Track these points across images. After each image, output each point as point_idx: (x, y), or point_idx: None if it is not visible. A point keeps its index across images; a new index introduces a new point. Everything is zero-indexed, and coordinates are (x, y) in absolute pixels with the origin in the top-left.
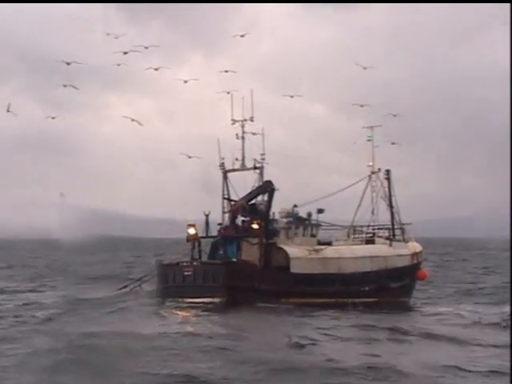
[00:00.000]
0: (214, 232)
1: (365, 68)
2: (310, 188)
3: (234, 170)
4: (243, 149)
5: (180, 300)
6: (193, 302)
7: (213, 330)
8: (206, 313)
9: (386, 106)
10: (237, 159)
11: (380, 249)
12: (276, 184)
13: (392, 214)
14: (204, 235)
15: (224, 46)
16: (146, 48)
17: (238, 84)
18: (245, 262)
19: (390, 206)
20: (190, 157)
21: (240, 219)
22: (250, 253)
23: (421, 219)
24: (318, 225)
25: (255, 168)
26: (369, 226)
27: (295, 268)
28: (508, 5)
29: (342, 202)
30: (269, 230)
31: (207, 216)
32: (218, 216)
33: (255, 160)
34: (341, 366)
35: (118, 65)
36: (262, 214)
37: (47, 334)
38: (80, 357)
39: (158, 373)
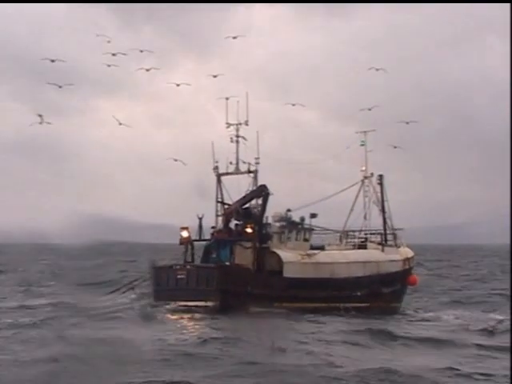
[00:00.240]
0: (207, 235)
1: (377, 70)
2: (303, 193)
3: (227, 174)
4: (237, 152)
5: (173, 303)
6: (186, 305)
7: (206, 335)
8: (199, 317)
9: (381, 110)
10: (231, 163)
11: (372, 254)
12: (269, 188)
13: (384, 219)
14: (197, 238)
15: (216, 51)
16: (141, 52)
17: (230, 88)
18: (238, 265)
19: (383, 211)
20: (175, 160)
21: (233, 223)
22: (244, 257)
23: (413, 225)
24: (310, 229)
25: (249, 172)
26: (361, 230)
27: (288, 272)
28: (508, 5)
29: (335, 207)
30: (262, 234)
31: (200, 219)
32: (212, 220)
33: (249, 164)
34: (327, 370)
35: (109, 65)
36: (255, 217)
37: (32, 341)
38: (64, 367)
39: (145, 381)
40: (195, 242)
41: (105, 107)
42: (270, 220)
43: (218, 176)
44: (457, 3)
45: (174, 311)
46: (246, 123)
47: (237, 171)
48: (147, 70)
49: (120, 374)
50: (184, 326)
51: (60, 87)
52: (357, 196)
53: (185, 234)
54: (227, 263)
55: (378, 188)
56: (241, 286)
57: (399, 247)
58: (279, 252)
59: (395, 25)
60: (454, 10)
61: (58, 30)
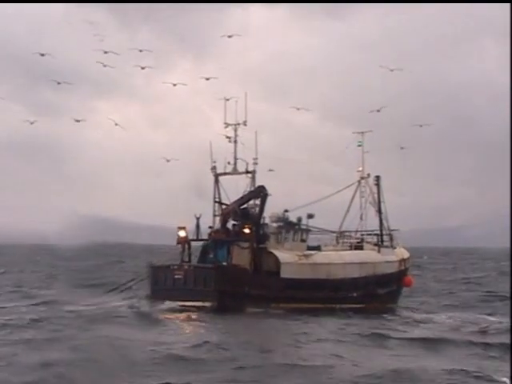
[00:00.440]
0: (204, 236)
1: (392, 70)
2: (300, 194)
3: (225, 174)
4: (235, 152)
5: (170, 303)
6: (183, 305)
7: (202, 338)
8: (195, 318)
9: (377, 113)
10: (229, 163)
11: (369, 255)
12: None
13: (381, 220)
14: (194, 238)
15: (213, 52)
16: (141, 51)
17: (227, 89)
18: (235, 266)
19: (379, 211)
20: (168, 160)
21: (231, 223)
22: (241, 257)
23: (409, 228)
24: (307, 230)
25: (247, 172)
26: (357, 231)
27: (285, 273)
28: (508, 5)
29: (332, 208)
30: (260, 235)
31: (198, 219)
32: (209, 220)
33: (247, 164)
34: (323, 372)
35: (104, 66)
36: (253, 218)
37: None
38: (58, 373)
39: None
40: (192, 242)
41: (102, 108)
42: (266, 220)
43: (216, 176)
44: (456, 3)
45: (170, 311)
46: (245, 123)
47: (234, 171)
48: (142, 68)
49: (112, 379)
50: (180, 328)
51: (58, 83)
52: (353, 196)
53: (182, 233)
54: (224, 263)
55: (375, 189)
56: (238, 286)
57: (395, 248)
58: (276, 253)
59: (392, 25)
60: (452, 10)
61: (56, 30)
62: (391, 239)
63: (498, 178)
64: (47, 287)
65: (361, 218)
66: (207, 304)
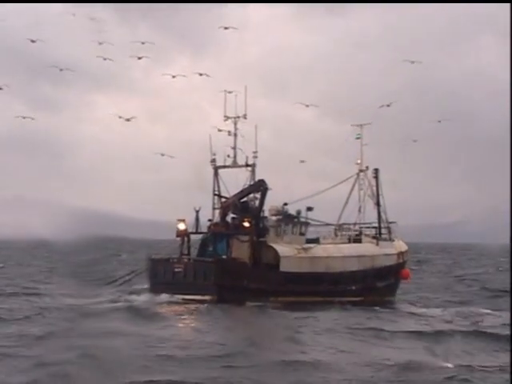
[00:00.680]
0: (204, 229)
1: (412, 62)
2: (298, 188)
3: (225, 167)
4: (235, 146)
5: (169, 296)
6: (183, 298)
7: (201, 333)
8: (195, 312)
9: (377, 109)
10: (228, 156)
11: (367, 248)
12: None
13: (379, 212)
14: (194, 231)
15: (211, 48)
16: (143, 43)
17: (225, 85)
18: (235, 260)
19: (378, 204)
20: (162, 155)
21: (230, 216)
22: (240, 250)
23: (407, 223)
24: (306, 223)
25: (247, 165)
26: (355, 223)
27: (285, 267)
28: (508, 5)
29: (331, 201)
30: (259, 228)
31: (197, 212)
32: (208, 213)
33: (247, 157)
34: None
35: (105, 59)
36: (253, 211)
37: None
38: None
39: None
40: (192, 235)
41: (100, 102)
42: (266, 214)
43: (215, 169)
44: (455, 3)
45: (169, 305)
46: (245, 117)
47: (234, 164)
48: (139, 58)
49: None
50: (178, 322)
51: (61, 70)
52: (352, 189)
53: (181, 226)
54: (224, 256)
55: (373, 181)
56: (238, 280)
57: (393, 241)
58: (276, 246)
59: (392, 24)
60: (452, 10)
61: (55, 26)
62: (389, 232)
63: (498, 175)
64: (45, 281)
65: (359, 211)
66: (207, 297)
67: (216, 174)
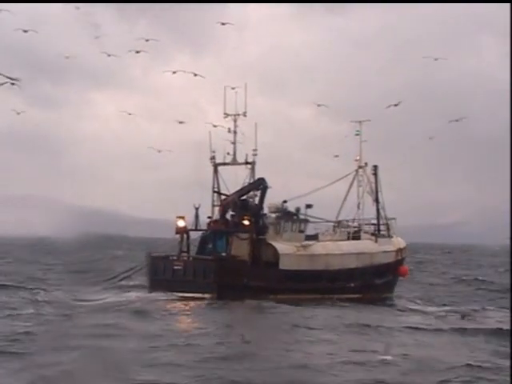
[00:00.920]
0: (203, 226)
1: (436, 59)
2: (296, 187)
3: (224, 164)
4: (235, 143)
5: (169, 294)
6: (183, 296)
7: (197, 332)
8: (193, 311)
9: (380, 109)
10: (228, 153)
11: (366, 245)
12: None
13: (378, 209)
14: (193, 228)
15: (211, 46)
16: (147, 41)
17: (224, 84)
18: (235, 258)
19: (376, 201)
20: (159, 151)
21: (229, 213)
22: (240, 248)
23: (405, 224)
24: (306, 220)
25: (247, 163)
26: (354, 219)
27: (284, 265)
28: (508, 5)
29: (330, 199)
30: (259, 226)
31: (197, 209)
32: (208, 210)
33: (246, 155)
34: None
35: (109, 55)
36: (252, 210)
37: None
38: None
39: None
40: (191, 232)
41: (99, 100)
42: (265, 211)
43: (215, 166)
44: (455, 3)
45: (168, 303)
46: (244, 114)
47: (234, 162)
48: (137, 52)
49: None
50: (175, 321)
51: (67, 57)
52: (351, 185)
53: (181, 223)
54: (223, 254)
55: (372, 178)
56: (237, 278)
57: (392, 237)
58: (275, 244)
59: (391, 24)
60: (451, 10)
61: (55, 22)
62: (388, 228)
63: (498, 175)
64: (44, 278)
65: (358, 207)
66: (207, 295)
67: (215, 172)
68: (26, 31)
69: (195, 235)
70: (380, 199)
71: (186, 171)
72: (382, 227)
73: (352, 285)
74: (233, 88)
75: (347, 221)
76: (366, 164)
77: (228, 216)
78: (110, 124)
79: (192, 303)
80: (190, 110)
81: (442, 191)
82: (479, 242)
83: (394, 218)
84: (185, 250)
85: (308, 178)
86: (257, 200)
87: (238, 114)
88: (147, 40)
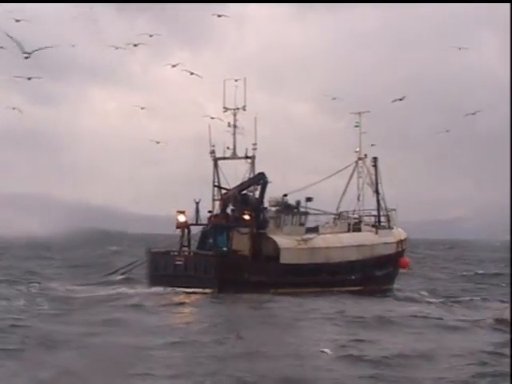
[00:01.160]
0: (203, 220)
1: (460, 49)
2: (294, 181)
3: (224, 158)
4: (234, 137)
5: (170, 289)
6: (184, 291)
7: (193, 327)
8: (193, 305)
9: (377, 104)
10: (228, 148)
11: (366, 237)
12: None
13: (378, 201)
14: (194, 223)
15: (210, 43)
16: (151, 36)
17: (222, 79)
18: (236, 253)
19: (377, 192)
20: (158, 142)
21: (230, 208)
22: (241, 243)
23: (405, 220)
24: (306, 213)
25: (247, 157)
26: (354, 211)
27: (285, 259)
28: (508, 5)
29: (330, 191)
30: (259, 221)
31: (197, 203)
32: (208, 205)
33: (246, 149)
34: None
35: (116, 48)
36: (253, 204)
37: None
38: None
39: None
40: (191, 227)
41: (97, 96)
42: (266, 205)
43: (215, 160)
44: (455, 3)
45: (169, 297)
46: (244, 108)
47: (234, 156)
48: (135, 46)
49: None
50: (174, 316)
51: (73, 46)
52: (350, 177)
53: (181, 218)
54: (224, 249)
55: (372, 170)
56: (238, 273)
57: (392, 228)
58: (276, 238)
59: (391, 22)
60: (451, 10)
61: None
62: (388, 220)
63: (498, 171)
64: (43, 274)
65: (358, 199)
66: (208, 291)
67: (216, 166)
68: (18, 21)
69: (196, 230)
70: (380, 191)
71: (186, 166)
72: (382, 219)
73: (352, 277)
74: (236, 80)
75: (347, 212)
76: (365, 156)
77: (228, 210)
78: (109, 120)
79: (192, 297)
80: (190, 105)
81: (442, 187)
82: (479, 237)
83: (394, 209)
84: (186, 244)
85: (306, 173)
86: (257, 194)
87: (238, 108)
88: (151, 35)
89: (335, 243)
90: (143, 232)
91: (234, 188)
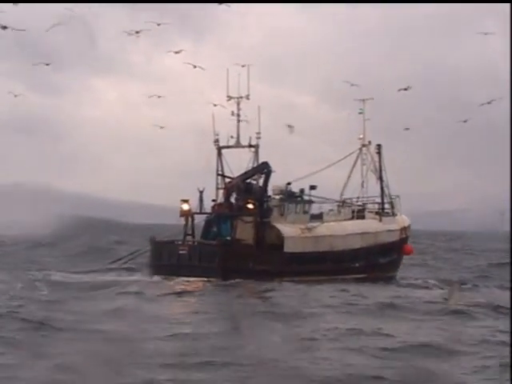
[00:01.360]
0: (207, 209)
1: (485, 34)
2: (297, 170)
3: (228, 147)
4: (238, 126)
5: (174, 278)
6: (188, 281)
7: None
8: (195, 295)
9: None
10: (232, 136)
11: (370, 224)
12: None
13: (382, 188)
14: (198, 211)
15: (213, 33)
16: (159, 25)
17: (225, 70)
18: (240, 242)
19: (380, 179)
20: (161, 127)
21: (234, 197)
22: (245, 232)
23: (405, 211)
24: (310, 201)
25: (250, 146)
26: (358, 197)
27: (289, 247)
28: (508, 5)
29: (334, 179)
30: (263, 209)
31: (201, 192)
32: (212, 193)
33: (250, 138)
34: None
35: (131, 33)
36: (256, 194)
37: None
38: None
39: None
40: (195, 216)
41: (99, 86)
42: (269, 193)
43: (219, 149)
44: (455, 3)
45: (173, 286)
46: (247, 97)
47: (238, 144)
48: (137, 33)
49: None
50: (182, 303)
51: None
52: (355, 163)
53: (185, 206)
54: (228, 238)
55: (376, 157)
56: (242, 262)
57: (396, 215)
58: (279, 226)
59: (392, 19)
60: (451, 10)
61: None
62: (392, 207)
63: (498, 162)
64: (46, 262)
65: (362, 186)
66: (212, 280)
67: (219, 154)
68: (4, 27)
69: (200, 219)
70: (384, 177)
71: (190, 155)
72: (386, 205)
73: (357, 265)
74: (242, 66)
75: (351, 199)
76: (369, 142)
77: (232, 199)
78: (112, 110)
79: (195, 285)
80: (192, 95)
81: (443, 178)
82: (479, 229)
83: (397, 196)
84: (190, 233)
85: (309, 164)
86: (261, 183)
87: (241, 97)
88: (159, 24)
89: (339, 231)
90: (147, 222)
91: (238, 177)
